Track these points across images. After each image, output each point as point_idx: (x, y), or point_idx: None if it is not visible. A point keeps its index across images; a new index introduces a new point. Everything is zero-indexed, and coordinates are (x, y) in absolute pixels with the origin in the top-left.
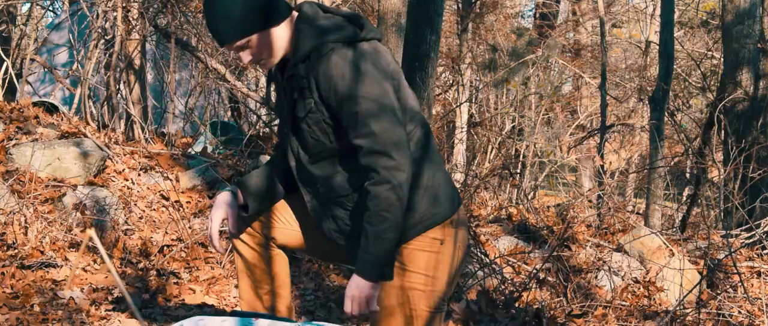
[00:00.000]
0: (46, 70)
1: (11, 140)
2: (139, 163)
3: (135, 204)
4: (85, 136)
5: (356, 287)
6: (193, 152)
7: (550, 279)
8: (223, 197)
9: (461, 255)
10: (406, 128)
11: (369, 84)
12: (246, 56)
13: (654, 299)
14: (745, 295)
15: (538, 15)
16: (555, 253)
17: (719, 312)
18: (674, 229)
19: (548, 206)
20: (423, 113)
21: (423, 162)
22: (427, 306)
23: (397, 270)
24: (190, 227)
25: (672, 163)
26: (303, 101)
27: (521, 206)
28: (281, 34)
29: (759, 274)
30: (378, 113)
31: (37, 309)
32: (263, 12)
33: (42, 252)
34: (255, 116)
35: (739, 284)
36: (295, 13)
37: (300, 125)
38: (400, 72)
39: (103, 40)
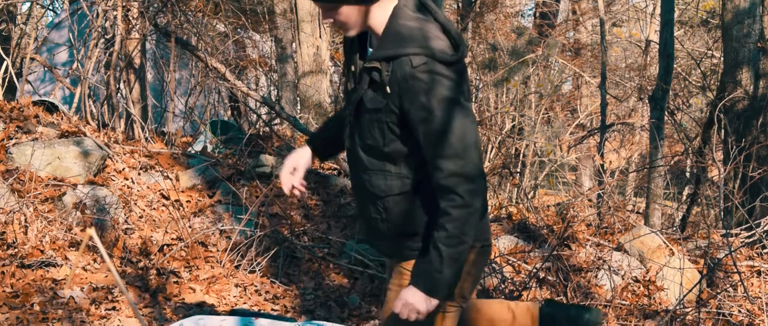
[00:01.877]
0: (46, 69)
1: (11, 139)
2: (139, 162)
3: (135, 203)
4: (85, 135)
5: (417, 298)
6: (193, 151)
7: (550, 278)
8: (302, 151)
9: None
10: None
11: (460, 113)
12: (330, 19)
13: (654, 298)
14: (745, 294)
15: (538, 14)
16: (555, 252)
17: (719, 311)
18: (674, 228)
19: (548, 206)
20: None
21: None
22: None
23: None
24: (190, 227)
25: (672, 162)
26: (374, 93)
27: (521, 206)
28: (371, 14)
29: (759, 273)
30: (466, 140)
31: (37, 308)
32: None
33: (42, 251)
34: (255, 115)
35: (739, 283)
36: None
37: (362, 115)
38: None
39: (103, 40)
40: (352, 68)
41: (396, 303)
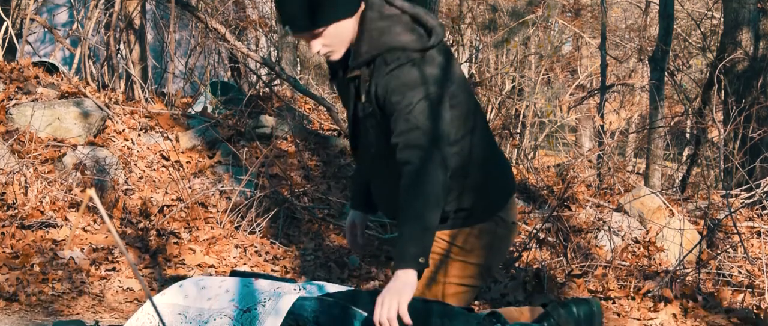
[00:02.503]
0: (46, 30)
1: (11, 100)
2: (139, 123)
3: (135, 164)
4: (85, 96)
5: (397, 282)
6: (193, 112)
7: (550, 239)
8: (353, 213)
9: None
10: (465, 132)
11: (432, 104)
12: (317, 45)
13: (654, 259)
14: (745, 255)
15: None
16: (555, 213)
17: (719, 271)
18: (674, 189)
19: (548, 166)
20: (480, 111)
21: (471, 160)
22: (456, 277)
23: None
24: (190, 187)
25: (672, 123)
26: (362, 103)
27: (521, 166)
28: (351, 26)
29: (759, 234)
30: (433, 123)
31: (37, 268)
32: (343, 1)
33: (42, 212)
34: (255, 76)
35: (739, 244)
36: (362, 4)
37: (359, 124)
38: (459, 74)
39: (103, 0)
40: (340, 89)
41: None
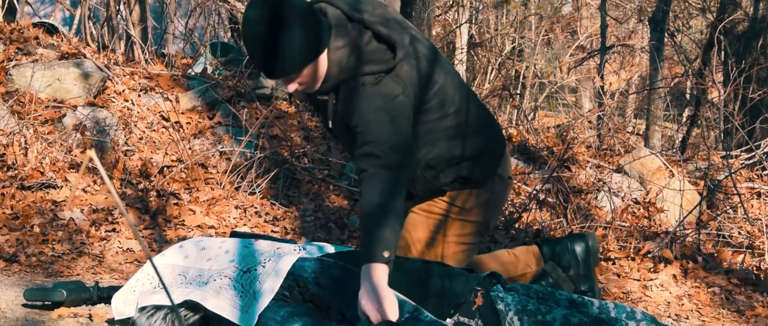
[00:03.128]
0: None
1: (11, 60)
2: (139, 84)
3: (135, 125)
4: (85, 57)
5: (366, 281)
6: (193, 73)
7: (549, 199)
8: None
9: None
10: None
11: (382, 123)
12: (293, 86)
13: (654, 220)
14: (745, 216)
15: None
16: (555, 174)
17: (719, 232)
18: (674, 150)
19: (548, 127)
20: (465, 86)
21: (463, 137)
22: (456, 235)
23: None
24: (190, 148)
25: (672, 84)
26: (330, 116)
27: (521, 127)
28: (322, 62)
29: (759, 195)
30: (389, 135)
31: (37, 229)
32: (315, 42)
33: (42, 173)
34: None
35: (739, 205)
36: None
37: (336, 133)
38: (431, 77)
39: None
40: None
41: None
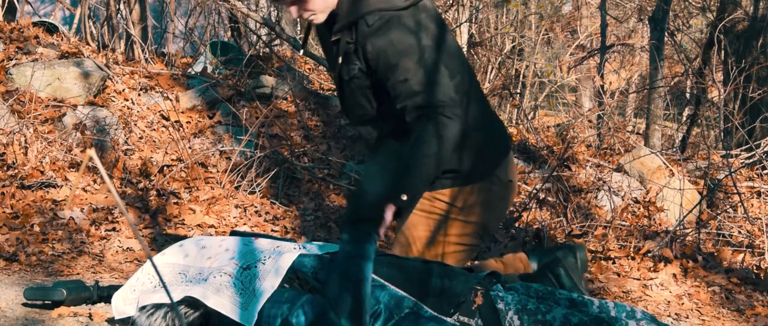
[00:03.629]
0: None
1: (11, 60)
2: (139, 83)
3: (135, 124)
4: (85, 56)
5: None
6: (193, 72)
7: (550, 199)
8: None
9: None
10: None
11: (412, 56)
12: (297, 11)
13: (654, 219)
14: (745, 215)
15: None
16: (555, 173)
17: (719, 231)
18: (674, 149)
19: (548, 126)
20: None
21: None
22: (455, 236)
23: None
24: (190, 148)
25: (672, 83)
26: (347, 65)
27: (521, 126)
28: None
29: (759, 194)
30: (431, 76)
31: (37, 228)
32: None
33: (42, 172)
34: (255, 36)
35: (739, 204)
36: None
37: (344, 87)
38: (451, 42)
39: None
40: (327, 53)
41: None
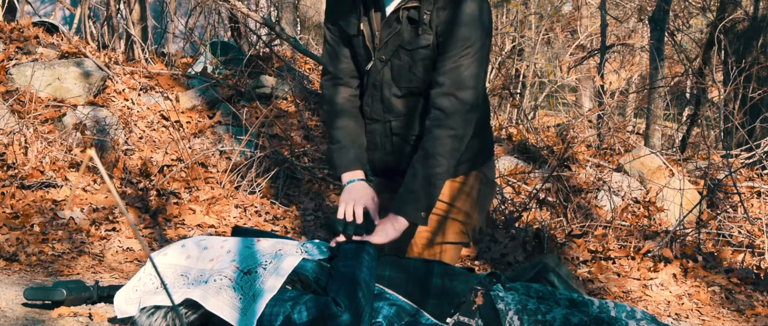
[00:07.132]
0: None
1: (11, 60)
2: (139, 83)
3: (135, 124)
4: (85, 56)
5: (395, 226)
6: (193, 72)
7: (550, 199)
8: (362, 189)
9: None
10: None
11: (482, 35)
12: None
13: (654, 219)
14: (745, 215)
15: None
16: (555, 173)
17: (719, 231)
18: (674, 149)
19: (548, 126)
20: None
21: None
22: (454, 234)
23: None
24: (190, 148)
25: (672, 83)
26: (415, 33)
27: (521, 126)
28: None
29: (759, 194)
30: (477, 77)
31: (37, 228)
32: None
33: (42, 172)
34: (255, 36)
35: (739, 204)
36: None
37: (401, 55)
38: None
39: None
40: (361, 24)
41: (378, 237)
